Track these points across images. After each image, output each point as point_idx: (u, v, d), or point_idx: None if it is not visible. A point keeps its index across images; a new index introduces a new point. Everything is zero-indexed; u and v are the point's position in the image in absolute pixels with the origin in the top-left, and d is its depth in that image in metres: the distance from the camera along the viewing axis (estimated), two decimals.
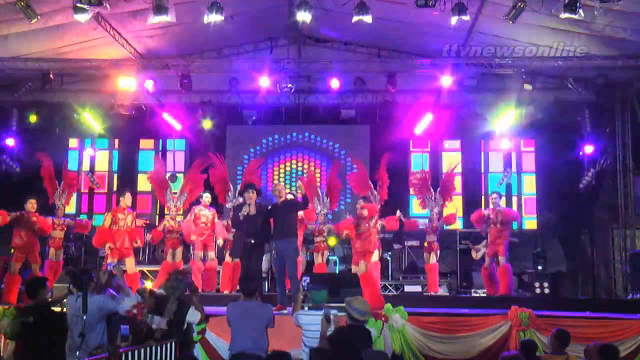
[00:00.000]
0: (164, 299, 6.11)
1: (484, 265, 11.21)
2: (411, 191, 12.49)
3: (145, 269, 12.18)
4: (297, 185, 9.68)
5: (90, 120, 13.79)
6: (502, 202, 11.96)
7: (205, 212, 10.91)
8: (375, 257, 10.80)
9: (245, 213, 9.12)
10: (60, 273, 10.34)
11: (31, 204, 10.77)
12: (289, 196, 9.61)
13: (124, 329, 6.10)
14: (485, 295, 11.27)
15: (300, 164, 15.20)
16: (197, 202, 11.13)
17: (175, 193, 11.25)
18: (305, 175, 12.76)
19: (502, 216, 11.00)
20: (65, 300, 6.33)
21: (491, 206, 11.19)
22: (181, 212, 11.20)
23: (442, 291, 11.71)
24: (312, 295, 6.51)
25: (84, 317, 5.68)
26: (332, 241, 11.61)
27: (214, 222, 10.92)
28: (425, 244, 11.52)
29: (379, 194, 10.84)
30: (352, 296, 8.18)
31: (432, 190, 11.37)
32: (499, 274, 10.92)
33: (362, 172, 11.33)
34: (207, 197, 11.02)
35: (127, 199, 10.73)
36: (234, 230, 10.21)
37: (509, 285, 10.81)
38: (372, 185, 10.93)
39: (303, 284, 7.75)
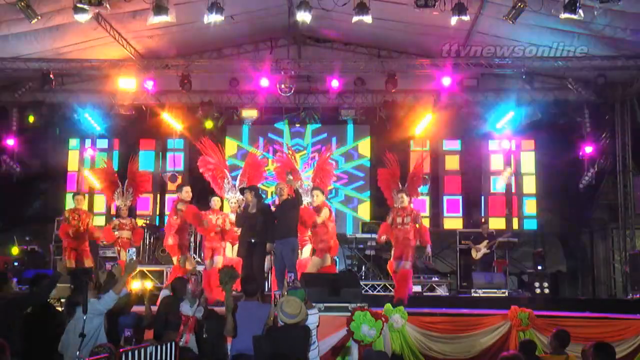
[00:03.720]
0: None
1: (393, 269, 9.72)
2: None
3: (145, 269, 12.15)
4: (289, 180, 9.60)
5: (91, 120, 13.80)
6: None
7: (212, 217, 9.95)
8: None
9: (243, 208, 9.12)
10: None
11: (77, 200, 10.77)
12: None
13: (127, 331, 6.06)
14: (485, 295, 11.21)
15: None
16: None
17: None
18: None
19: (410, 216, 9.71)
20: (64, 300, 6.34)
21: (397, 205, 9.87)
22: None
23: (442, 291, 11.69)
24: (289, 294, 6.43)
25: (84, 317, 5.68)
26: None
27: (224, 227, 10.01)
28: None
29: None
30: (352, 296, 8.27)
31: (400, 185, 10.14)
32: (396, 279, 9.71)
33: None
34: (216, 201, 10.20)
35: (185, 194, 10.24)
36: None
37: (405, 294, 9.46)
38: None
39: (289, 280, 7.69)
